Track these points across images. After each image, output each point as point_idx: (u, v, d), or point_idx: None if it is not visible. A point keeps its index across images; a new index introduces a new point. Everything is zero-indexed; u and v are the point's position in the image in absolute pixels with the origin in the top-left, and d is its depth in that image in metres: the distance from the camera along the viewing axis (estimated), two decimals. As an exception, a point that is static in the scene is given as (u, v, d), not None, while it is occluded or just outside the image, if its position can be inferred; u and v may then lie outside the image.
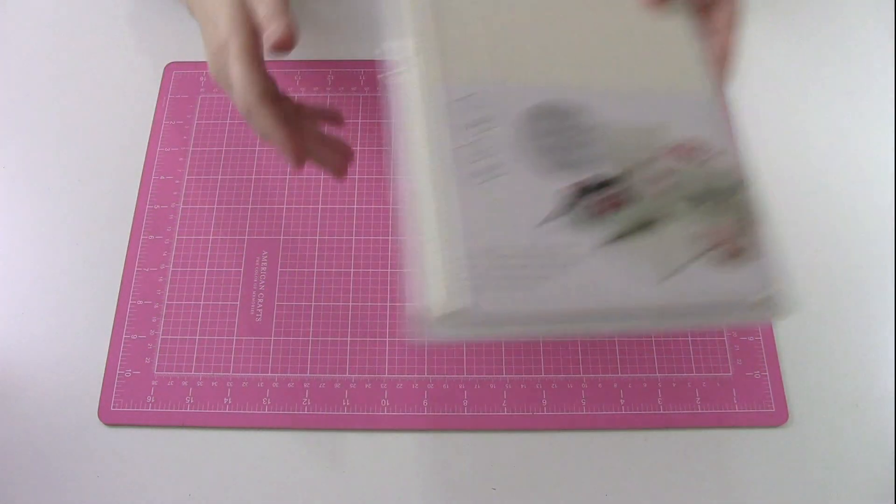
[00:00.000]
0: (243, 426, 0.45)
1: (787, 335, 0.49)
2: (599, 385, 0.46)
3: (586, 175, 0.34)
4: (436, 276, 0.32)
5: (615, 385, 0.47)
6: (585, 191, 0.34)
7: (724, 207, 0.35)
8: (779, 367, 0.47)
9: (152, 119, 0.55)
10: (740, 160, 0.36)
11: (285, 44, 0.38)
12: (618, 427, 0.45)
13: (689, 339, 0.48)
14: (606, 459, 0.45)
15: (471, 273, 0.32)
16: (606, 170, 0.35)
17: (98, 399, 0.46)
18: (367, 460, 0.44)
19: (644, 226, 0.34)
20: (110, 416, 0.45)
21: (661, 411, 0.46)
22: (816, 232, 0.52)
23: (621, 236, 0.34)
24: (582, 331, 0.33)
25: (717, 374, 0.47)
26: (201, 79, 0.57)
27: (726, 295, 0.33)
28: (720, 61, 0.40)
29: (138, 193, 0.52)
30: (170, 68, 0.58)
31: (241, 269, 0.50)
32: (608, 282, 0.33)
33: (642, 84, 0.37)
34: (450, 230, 0.32)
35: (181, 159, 0.54)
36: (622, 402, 0.46)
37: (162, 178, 0.53)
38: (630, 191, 0.35)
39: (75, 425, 0.45)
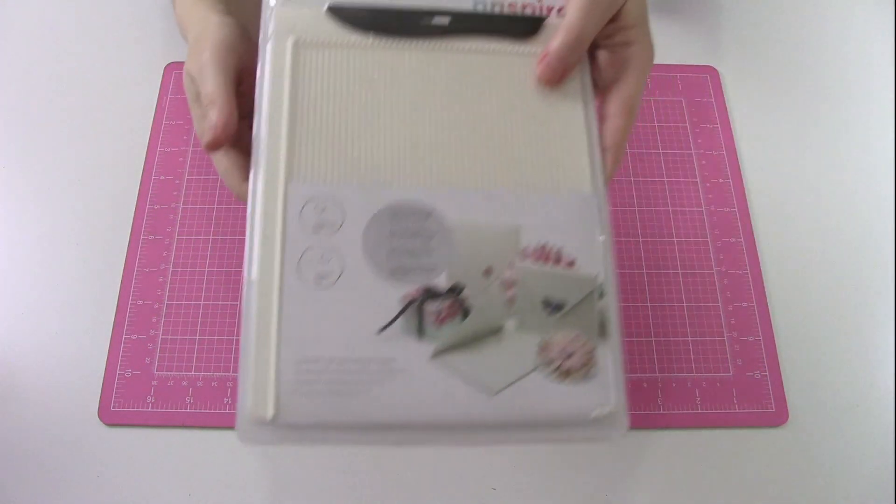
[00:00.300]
0: (243, 426, 0.45)
1: (787, 335, 0.49)
2: (599, 385, 0.46)
3: (431, 281, 0.33)
4: (250, 382, 0.31)
5: (615, 385, 0.47)
6: (428, 298, 0.33)
7: (572, 318, 0.34)
8: (779, 367, 0.47)
9: (152, 119, 0.55)
10: (600, 268, 0.34)
11: (212, 146, 0.36)
12: (618, 427, 0.45)
13: (689, 339, 0.48)
14: (606, 459, 0.45)
15: (278, 382, 0.31)
16: (452, 276, 0.33)
17: (98, 399, 0.46)
18: (367, 460, 0.44)
19: (486, 335, 0.33)
20: (110, 416, 0.45)
21: (661, 411, 0.46)
22: (816, 232, 0.52)
23: (459, 346, 0.33)
24: (411, 442, 0.32)
25: (717, 374, 0.47)
26: (201, 79, 0.57)
27: (561, 411, 0.32)
28: (609, 150, 0.37)
29: (138, 193, 0.52)
30: (170, 68, 0.58)
31: (242, 270, 0.49)
32: (439, 393, 0.32)
33: (510, 182, 0.35)
34: (268, 336, 0.32)
35: (181, 159, 0.54)
36: (622, 402, 0.46)
37: (162, 178, 0.53)
38: (474, 299, 0.33)
39: (75, 425, 0.45)
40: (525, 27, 0.38)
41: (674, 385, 0.47)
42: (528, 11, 0.39)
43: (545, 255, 0.34)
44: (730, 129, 0.56)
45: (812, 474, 0.45)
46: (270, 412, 0.31)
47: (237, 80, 0.38)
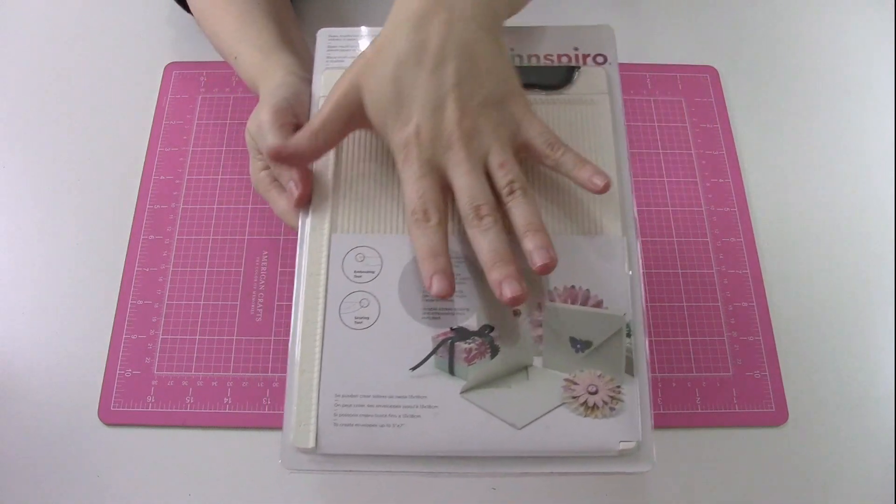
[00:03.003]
0: (243, 426, 0.45)
1: (787, 335, 0.49)
2: (599, 385, 0.46)
3: (462, 323, 0.35)
4: (293, 414, 0.34)
5: (615, 385, 0.47)
6: (459, 338, 0.35)
7: (598, 356, 0.35)
8: (779, 367, 0.47)
9: (152, 119, 0.55)
10: (628, 307, 0.36)
11: (300, 204, 0.38)
12: (618, 427, 0.45)
13: (689, 339, 0.48)
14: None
15: (318, 415, 0.34)
16: (482, 318, 0.35)
17: (98, 399, 0.46)
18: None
19: (513, 372, 0.35)
20: (110, 416, 0.45)
21: (662, 411, 0.46)
22: (816, 231, 0.52)
23: (487, 383, 0.35)
24: (440, 472, 0.34)
25: (717, 374, 0.47)
26: (201, 79, 0.57)
27: (586, 444, 0.34)
28: None
29: (138, 193, 0.52)
30: (170, 68, 0.58)
31: (241, 269, 0.50)
32: (467, 427, 0.34)
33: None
34: (311, 372, 0.35)
35: (181, 159, 0.54)
36: (622, 402, 0.46)
37: (162, 178, 0.53)
38: (503, 339, 0.35)
39: (75, 425, 0.45)
40: (560, 77, 0.40)
41: (674, 385, 0.47)
42: (565, 60, 0.41)
43: (573, 296, 0.36)
44: (730, 128, 0.56)
45: (812, 474, 0.45)
46: (311, 442, 0.34)
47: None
